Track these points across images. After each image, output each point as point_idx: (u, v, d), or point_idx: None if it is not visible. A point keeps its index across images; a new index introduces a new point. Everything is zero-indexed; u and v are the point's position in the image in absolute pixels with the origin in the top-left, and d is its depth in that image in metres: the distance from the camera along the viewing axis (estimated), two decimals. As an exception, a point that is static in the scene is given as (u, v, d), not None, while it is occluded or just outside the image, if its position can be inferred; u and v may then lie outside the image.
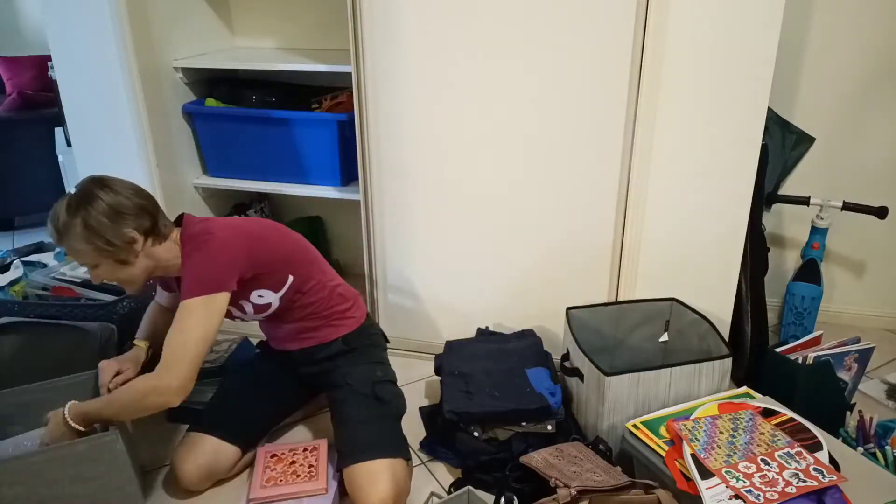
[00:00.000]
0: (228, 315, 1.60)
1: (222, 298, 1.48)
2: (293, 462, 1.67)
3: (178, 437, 1.73)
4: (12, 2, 3.89)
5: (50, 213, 1.45)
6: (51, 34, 2.10)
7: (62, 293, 1.97)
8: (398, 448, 1.61)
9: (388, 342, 1.89)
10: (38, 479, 1.39)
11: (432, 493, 1.51)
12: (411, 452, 1.79)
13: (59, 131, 2.75)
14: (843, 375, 1.88)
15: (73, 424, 1.46)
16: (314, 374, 1.76)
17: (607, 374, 1.61)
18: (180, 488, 1.65)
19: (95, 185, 1.46)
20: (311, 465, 1.65)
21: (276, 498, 1.57)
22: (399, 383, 1.78)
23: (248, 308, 1.63)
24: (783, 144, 2.25)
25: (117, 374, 1.65)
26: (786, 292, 2.24)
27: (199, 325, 1.45)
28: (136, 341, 1.75)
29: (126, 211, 1.46)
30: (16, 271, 2.05)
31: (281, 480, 1.61)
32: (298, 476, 1.62)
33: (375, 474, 1.52)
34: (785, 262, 2.41)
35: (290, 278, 1.62)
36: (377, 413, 1.65)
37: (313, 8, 2.42)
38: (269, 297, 1.62)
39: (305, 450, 1.71)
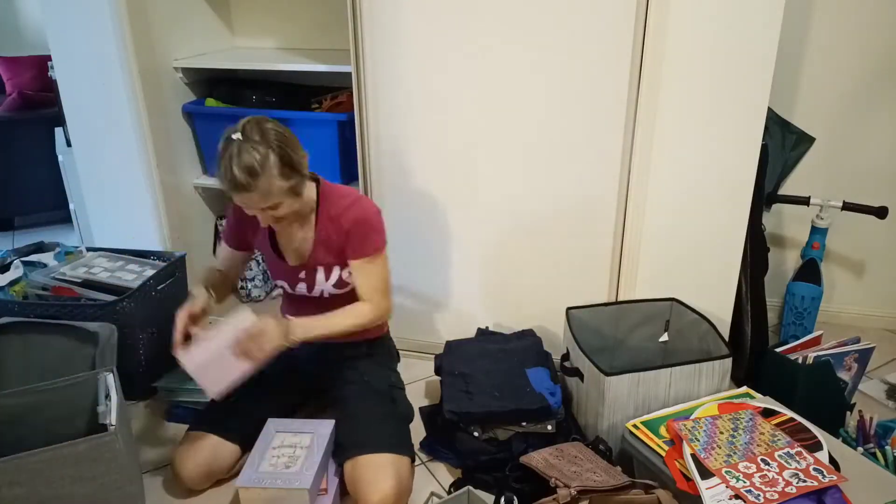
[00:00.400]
0: (307, 281, 1.70)
1: (386, 252, 1.67)
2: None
3: (179, 437, 1.73)
4: (12, 2, 3.89)
5: (234, 162, 1.39)
6: (51, 34, 2.10)
7: (62, 293, 1.97)
8: (405, 447, 1.62)
9: (399, 360, 1.94)
10: (39, 478, 1.39)
11: (432, 493, 1.51)
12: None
13: (59, 131, 2.75)
14: (843, 375, 1.88)
15: (289, 343, 1.54)
16: (324, 371, 1.76)
17: (607, 374, 1.61)
18: (181, 488, 1.65)
19: (260, 123, 1.45)
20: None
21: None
22: (404, 388, 1.82)
23: (334, 277, 1.69)
24: (783, 144, 2.25)
25: (190, 319, 1.59)
26: (786, 292, 2.24)
27: (383, 272, 1.67)
28: (196, 290, 1.68)
29: (293, 139, 1.49)
30: (16, 271, 2.05)
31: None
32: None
33: (380, 468, 1.52)
34: (785, 262, 2.41)
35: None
36: (389, 411, 1.67)
37: (313, 8, 2.42)
38: (350, 278, 1.69)
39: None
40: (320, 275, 1.69)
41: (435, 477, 1.75)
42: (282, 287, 1.77)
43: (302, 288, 1.72)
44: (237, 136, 1.42)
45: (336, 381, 1.76)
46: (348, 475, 1.56)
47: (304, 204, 1.61)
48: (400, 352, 2.08)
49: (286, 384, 1.80)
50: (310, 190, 1.63)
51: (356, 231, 1.62)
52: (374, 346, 1.83)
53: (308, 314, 1.66)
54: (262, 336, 1.50)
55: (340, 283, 1.70)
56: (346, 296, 1.71)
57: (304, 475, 1.52)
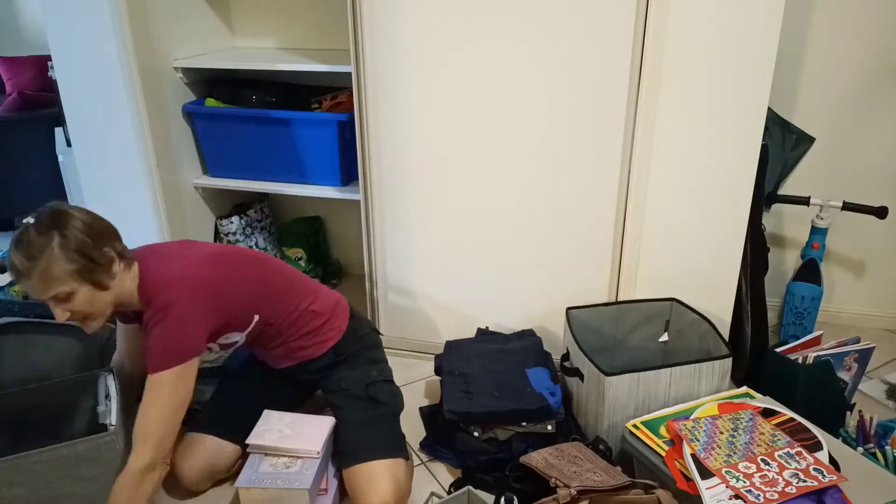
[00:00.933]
0: (217, 351, 1.61)
1: (194, 363, 1.43)
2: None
3: (179, 437, 1.73)
4: (12, 2, 3.89)
5: (14, 244, 1.31)
6: (51, 34, 2.10)
7: (62, 293, 1.97)
8: (397, 448, 1.61)
9: (381, 334, 1.87)
10: (39, 479, 1.39)
11: (432, 493, 1.51)
12: (411, 452, 1.79)
13: (59, 131, 2.75)
14: (843, 375, 1.88)
15: None
16: (310, 380, 1.77)
17: (607, 374, 1.61)
18: (181, 488, 1.65)
19: (60, 208, 1.36)
20: (313, 432, 1.64)
21: (272, 450, 1.58)
22: (399, 383, 1.79)
23: (215, 348, 1.59)
24: (783, 144, 2.25)
25: None
26: (786, 292, 2.24)
27: (172, 397, 1.40)
28: None
29: (102, 229, 1.38)
30: (16, 271, 2.05)
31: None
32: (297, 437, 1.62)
33: (375, 476, 1.52)
34: (785, 262, 2.41)
35: (256, 317, 1.57)
36: (373, 414, 1.65)
37: (313, 8, 2.42)
38: (235, 337, 1.59)
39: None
40: (215, 346, 1.58)
41: (435, 477, 1.75)
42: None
43: (205, 354, 1.57)
44: (28, 219, 1.34)
45: (321, 388, 1.77)
46: (346, 483, 1.57)
47: (126, 291, 1.43)
48: (400, 351, 2.08)
49: (284, 384, 1.80)
50: (132, 277, 1.45)
51: (149, 342, 1.40)
52: (342, 349, 1.72)
53: (265, 354, 1.70)
54: None
55: (226, 346, 1.60)
56: (269, 336, 1.63)
57: (304, 475, 1.52)
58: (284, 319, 1.62)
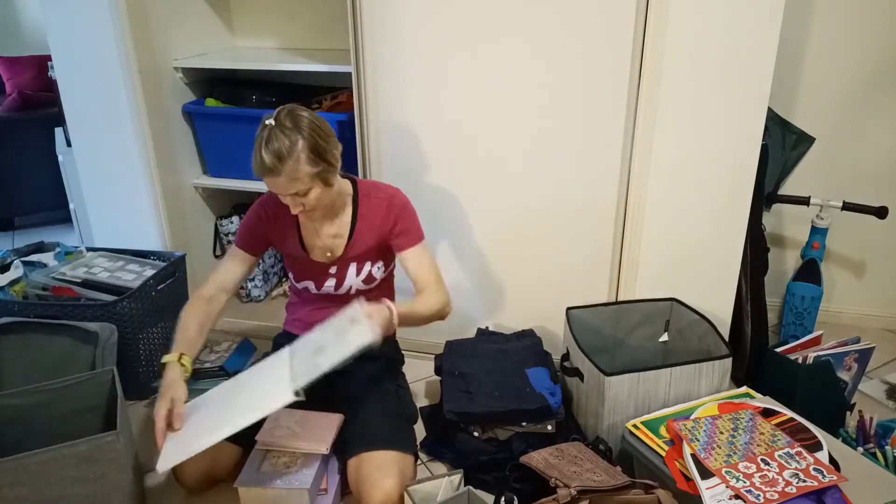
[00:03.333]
0: (338, 276, 1.72)
1: None
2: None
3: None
4: (12, 2, 3.89)
5: (263, 145, 1.44)
6: (51, 34, 2.10)
7: (62, 293, 1.97)
8: (410, 445, 1.63)
9: (404, 362, 1.95)
10: (39, 479, 1.39)
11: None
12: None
13: (59, 131, 2.75)
14: (843, 375, 1.88)
15: (395, 323, 1.51)
16: (333, 370, 1.76)
17: (607, 374, 1.61)
18: (181, 489, 1.65)
19: (295, 110, 1.49)
20: (321, 430, 1.63)
21: (281, 447, 1.59)
22: (410, 391, 1.83)
23: (364, 273, 1.72)
24: (783, 144, 2.25)
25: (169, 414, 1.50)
26: (786, 292, 2.24)
27: (433, 258, 1.71)
28: (176, 359, 1.57)
29: (329, 130, 1.52)
30: (16, 271, 2.05)
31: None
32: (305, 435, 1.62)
33: (384, 465, 1.52)
34: (785, 262, 2.41)
35: (393, 261, 1.76)
36: (395, 410, 1.69)
37: (313, 8, 2.42)
38: (378, 273, 1.75)
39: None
40: (352, 269, 1.72)
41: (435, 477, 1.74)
42: (304, 287, 1.77)
43: (330, 285, 1.73)
44: (270, 121, 1.47)
45: (344, 380, 1.76)
46: (352, 472, 1.56)
47: (337, 196, 1.63)
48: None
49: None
50: (344, 185, 1.66)
51: (403, 216, 1.66)
52: (384, 347, 1.77)
53: (327, 313, 1.66)
54: (374, 315, 1.47)
55: (369, 278, 1.74)
56: (372, 292, 1.76)
57: (304, 475, 1.52)
58: (390, 283, 1.86)
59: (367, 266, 1.72)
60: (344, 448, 1.62)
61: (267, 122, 1.47)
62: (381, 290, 1.81)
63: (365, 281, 1.74)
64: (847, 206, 2.13)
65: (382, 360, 1.81)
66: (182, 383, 1.54)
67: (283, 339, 1.84)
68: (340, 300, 1.73)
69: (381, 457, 1.54)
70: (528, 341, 1.99)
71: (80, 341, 1.83)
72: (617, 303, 1.98)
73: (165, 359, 1.57)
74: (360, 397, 1.70)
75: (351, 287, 1.74)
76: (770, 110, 2.16)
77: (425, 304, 1.63)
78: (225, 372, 2.00)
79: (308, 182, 1.49)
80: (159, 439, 1.47)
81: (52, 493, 1.41)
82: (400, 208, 1.67)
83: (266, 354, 1.69)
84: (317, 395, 1.85)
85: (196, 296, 1.69)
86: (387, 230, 1.67)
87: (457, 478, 1.52)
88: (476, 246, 2.06)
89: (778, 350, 1.90)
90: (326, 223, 1.68)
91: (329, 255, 1.71)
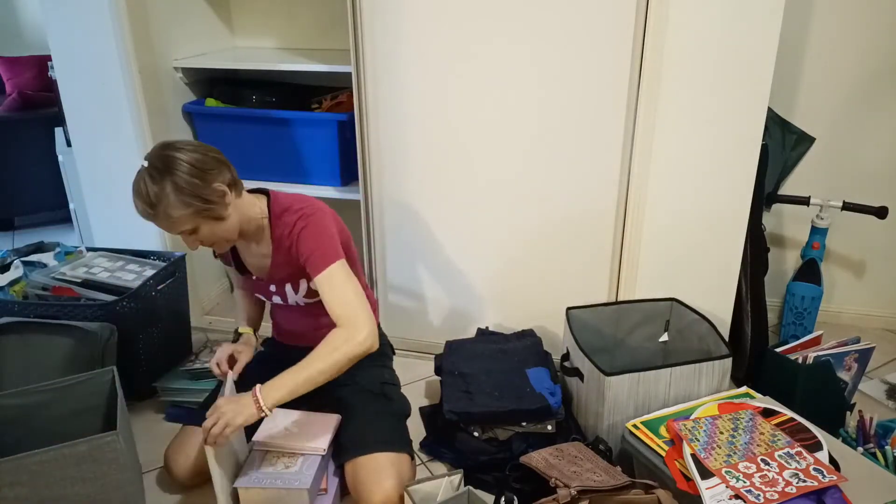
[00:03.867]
0: (279, 294, 1.69)
1: (345, 263, 1.54)
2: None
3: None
4: (12, 2, 3.89)
5: (135, 192, 1.41)
6: (51, 34, 2.10)
7: (62, 293, 1.97)
8: (403, 444, 1.61)
9: (395, 353, 1.92)
10: (39, 479, 1.39)
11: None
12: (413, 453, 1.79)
13: (59, 131, 2.75)
14: (843, 375, 1.88)
15: (265, 413, 1.41)
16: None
17: (607, 374, 1.61)
18: (172, 481, 1.65)
19: (167, 149, 1.43)
20: (318, 430, 1.63)
21: (278, 447, 1.58)
22: (399, 383, 1.80)
23: (303, 289, 1.66)
24: (783, 144, 2.25)
25: (230, 358, 1.68)
26: (786, 292, 2.24)
27: (350, 282, 1.50)
28: (241, 329, 1.79)
29: (208, 166, 1.44)
30: (16, 271, 2.05)
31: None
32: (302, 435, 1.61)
33: (380, 468, 1.52)
34: (785, 262, 2.42)
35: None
36: (384, 410, 1.66)
37: (313, 8, 2.42)
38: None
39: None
40: (288, 288, 1.67)
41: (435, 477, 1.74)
42: (259, 298, 1.82)
43: (277, 300, 1.73)
44: (144, 163, 1.42)
45: (332, 384, 1.75)
46: (349, 476, 1.56)
47: (246, 223, 1.57)
48: (400, 352, 2.08)
49: None
50: (253, 209, 1.58)
51: (304, 246, 1.53)
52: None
53: (296, 320, 1.76)
54: (222, 417, 1.39)
55: (311, 293, 1.67)
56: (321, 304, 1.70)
57: (303, 475, 1.52)
58: None
59: (303, 283, 1.65)
60: (338, 452, 1.62)
61: (143, 163, 1.42)
62: None
63: (306, 296, 1.68)
64: (847, 206, 2.13)
65: (369, 358, 1.69)
66: (252, 351, 1.72)
67: (273, 346, 1.89)
68: (298, 310, 1.73)
69: (375, 460, 1.53)
70: (528, 341, 1.99)
71: (80, 341, 1.83)
72: (617, 303, 1.98)
73: (243, 329, 1.76)
74: (345, 400, 1.68)
75: (297, 302, 1.70)
76: (770, 110, 2.16)
77: (319, 362, 1.43)
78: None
79: (191, 221, 1.44)
80: (215, 368, 1.64)
81: (52, 493, 1.41)
82: (299, 237, 1.54)
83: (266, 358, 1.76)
84: (304, 400, 1.85)
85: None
86: (295, 256, 1.57)
87: (457, 478, 1.52)
88: (476, 245, 2.06)
89: (778, 350, 1.90)
90: (252, 244, 1.64)
91: (264, 273, 1.69)
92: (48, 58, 2.27)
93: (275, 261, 1.64)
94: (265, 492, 1.50)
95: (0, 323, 1.82)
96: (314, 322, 1.72)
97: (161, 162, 1.41)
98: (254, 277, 1.71)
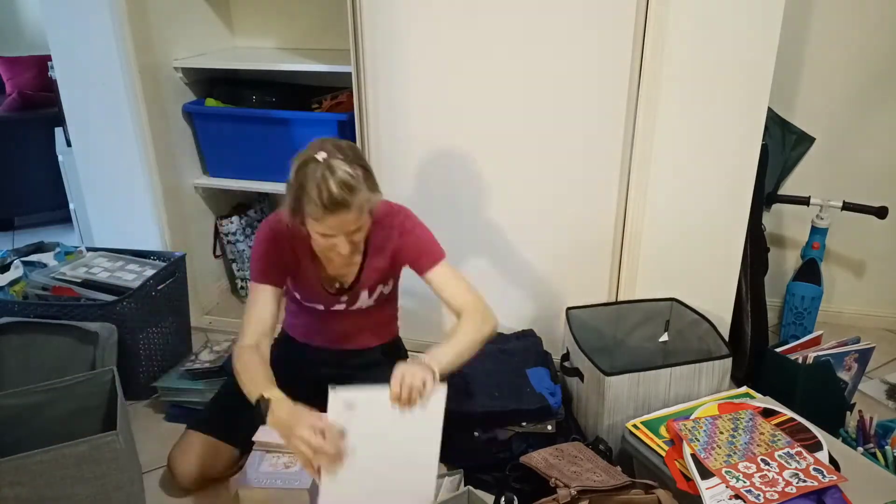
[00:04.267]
0: (350, 301, 1.64)
1: None
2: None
3: (177, 436, 1.73)
4: (12, 2, 3.89)
5: (321, 179, 1.30)
6: (51, 34, 2.10)
7: (62, 293, 1.97)
8: None
9: (408, 356, 1.91)
10: (39, 479, 1.39)
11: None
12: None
13: (59, 131, 2.75)
14: (843, 375, 1.88)
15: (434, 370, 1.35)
16: (339, 376, 1.72)
17: (607, 374, 1.61)
18: (176, 485, 1.65)
19: (331, 140, 1.38)
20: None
21: (279, 447, 1.54)
22: None
23: (377, 294, 1.66)
24: (783, 144, 2.25)
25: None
26: (786, 292, 2.24)
27: (460, 274, 1.57)
28: (272, 396, 1.36)
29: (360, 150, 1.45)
30: (16, 271, 2.05)
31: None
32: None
33: None
34: (785, 262, 2.41)
35: (399, 273, 1.69)
36: None
37: (313, 8, 2.42)
38: (386, 291, 1.70)
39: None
40: (363, 294, 1.66)
41: (435, 477, 1.74)
42: (311, 306, 1.69)
43: (339, 308, 1.67)
44: (322, 155, 1.33)
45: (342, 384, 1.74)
46: None
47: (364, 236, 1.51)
48: (400, 352, 2.08)
49: (288, 390, 1.78)
50: None
51: (414, 244, 1.56)
52: (388, 350, 1.80)
53: (335, 326, 1.68)
54: (414, 377, 1.32)
55: (380, 297, 1.69)
56: (378, 307, 1.72)
57: (304, 475, 1.52)
58: (396, 296, 1.78)
59: (379, 288, 1.68)
60: None
61: (317, 156, 1.34)
62: (388, 301, 1.77)
63: (376, 300, 1.70)
64: (847, 206, 2.13)
65: (388, 362, 1.72)
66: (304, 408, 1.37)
67: (286, 344, 1.80)
68: (349, 314, 1.70)
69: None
70: (528, 341, 1.99)
71: (80, 341, 1.83)
72: (617, 303, 1.98)
73: (269, 394, 1.35)
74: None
75: (361, 306, 1.69)
76: (770, 110, 2.15)
77: (470, 336, 1.47)
78: (225, 372, 1.99)
79: (366, 216, 1.41)
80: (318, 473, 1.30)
81: (53, 492, 1.41)
82: (410, 232, 1.57)
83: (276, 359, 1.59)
84: (313, 399, 1.83)
85: (241, 347, 1.49)
86: (401, 256, 1.59)
87: (457, 478, 1.52)
88: (476, 245, 2.06)
89: (778, 350, 1.90)
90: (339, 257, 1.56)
91: (338, 285, 1.65)
92: (48, 58, 2.26)
93: (370, 265, 1.61)
94: (265, 492, 1.50)
95: (0, 323, 1.82)
96: (360, 322, 1.71)
97: (340, 150, 1.35)
98: (333, 288, 1.64)
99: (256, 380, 1.39)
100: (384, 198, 1.48)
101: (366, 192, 1.37)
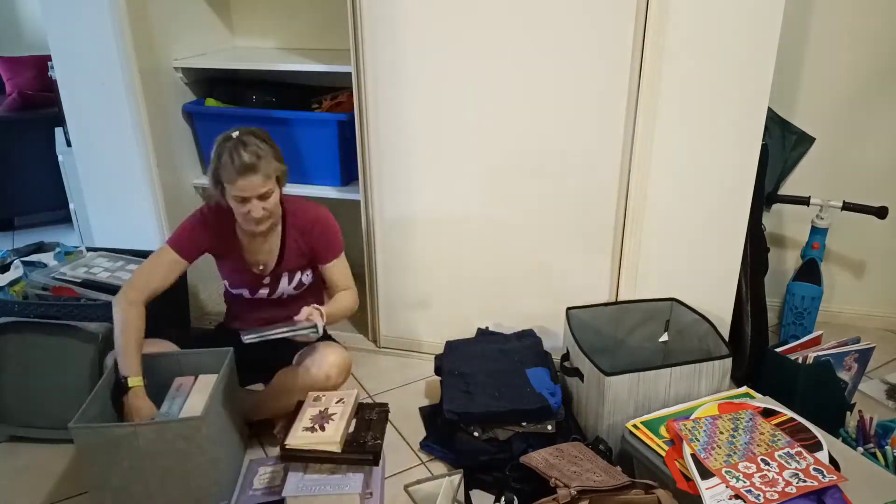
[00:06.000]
0: (270, 286, 1.85)
1: None
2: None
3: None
4: (12, 2, 3.89)
5: (238, 145, 1.59)
6: (51, 34, 2.10)
7: (62, 293, 1.97)
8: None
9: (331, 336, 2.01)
10: (140, 452, 1.49)
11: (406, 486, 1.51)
12: (412, 452, 1.80)
13: (59, 131, 2.75)
14: (843, 375, 1.88)
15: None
16: (264, 357, 1.82)
17: (607, 374, 1.61)
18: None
19: (248, 129, 1.66)
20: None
21: (268, 333, 1.60)
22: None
23: (296, 281, 1.86)
24: (783, 144, 2.25)
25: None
26: (786, 292, 2.24)
27: (347, 264, 1.87)
28: (133, 381, 1.62)
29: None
30: (16, 271, 2.05)
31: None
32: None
33: (325, 346, 1.76)
34: (785, 262, 2.41)
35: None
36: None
37: (313, 8, 2.42)
38: (306, 280, 1.88)
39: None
40: (284, 280, 1.85)
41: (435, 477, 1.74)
42: (238, 293, 1.88)
43: (263, 293, 1.86)
44: (236, 133, 1.64)
45: (274, 363, 1.86)
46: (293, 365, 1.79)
47: (275, 208, 1.72)
48: (400, 351, 2.09)
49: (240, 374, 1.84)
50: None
51: (324, 237, 1.82)
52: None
53: (261, 314, 1.86)
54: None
55: (299, 285, 1.88)
56: (301, 296, 1.89)
57: (353, 480, 1.50)
58: (319, 283, 1.96)
59: (298, 276, 1.86)
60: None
61: (233, 134, 1.63)
62: (309, 291, 1.92)
63: (295, 288, 1.87)
64: (847, 206, 2.12)
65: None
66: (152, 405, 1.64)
67: (223, 333, 1.95)
68: (273, 303, 1.88)
69: (319, 345, 1.76)
70: (528, 341, 1.99)
71: (80, 341, 1.83)
72: (617, 303, 1.98)
73: (132, 382, 1.61)
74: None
75: (283, 293, 1.87)
76: (770, 110, 2.15)
77: (344, 305, 1.80)
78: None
79: (272, 183, 1.65)
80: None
81: (154, 464, 1.51)
82: (321, 229, 1.81)
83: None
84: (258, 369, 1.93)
85: (127, 299, 1.69)
86: (314, 248, 1.82)
87: (457, 478, 1.52)
88: (476, 245, 2.06)
89: (778, 350, 1.90)
90: (259, 238, 1.80)
91: (262, 268, 1.84)
92: (48, 58, 2.27)
93: (288, 252, 1.82)
94: (315, 499, 1.47)
95: (0, 323, 1.82)
96: (284, 312, 1.74)
97: (259, 130, 1.67)
98: (258, 269, 1.83)
99: (128, 361, 1.63)
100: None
101: (273, 161, 1.64)
